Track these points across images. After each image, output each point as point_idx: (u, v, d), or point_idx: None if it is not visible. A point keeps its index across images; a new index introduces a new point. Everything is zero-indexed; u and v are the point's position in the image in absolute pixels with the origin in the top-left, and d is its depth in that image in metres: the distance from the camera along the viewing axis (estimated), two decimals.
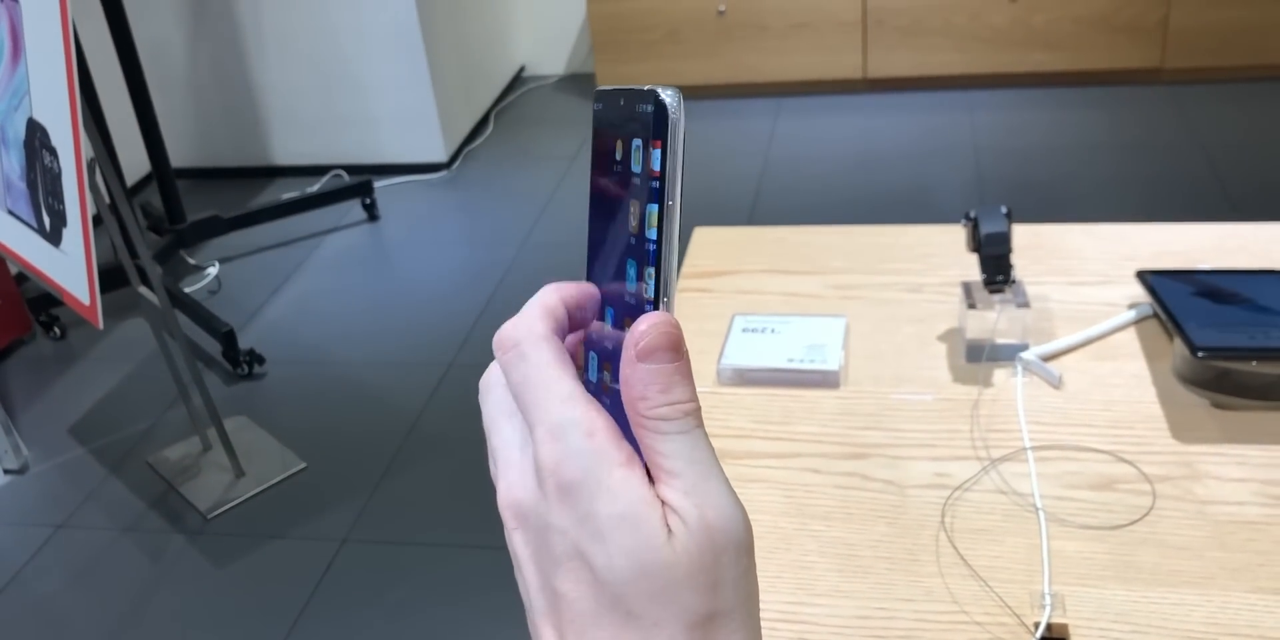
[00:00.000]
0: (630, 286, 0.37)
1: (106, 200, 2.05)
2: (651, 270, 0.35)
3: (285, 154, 3.75)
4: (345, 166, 3.70)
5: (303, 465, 2.32)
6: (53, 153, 1.74)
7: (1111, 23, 3.71)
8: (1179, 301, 1.07)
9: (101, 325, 1.77)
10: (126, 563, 2.12)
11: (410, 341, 2.75)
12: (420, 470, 2.30)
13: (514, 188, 3.52)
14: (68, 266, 1.80)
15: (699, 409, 0.36)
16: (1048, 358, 1.09)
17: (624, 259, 0.37)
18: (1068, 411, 1.02)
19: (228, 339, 2.63)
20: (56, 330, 2.88)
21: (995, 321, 1.08)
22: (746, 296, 1.23)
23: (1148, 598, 0.82)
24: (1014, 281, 1.07)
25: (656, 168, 0.35)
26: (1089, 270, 1.23)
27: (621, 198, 0.37)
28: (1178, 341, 1.02)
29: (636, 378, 0.35)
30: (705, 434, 0.36)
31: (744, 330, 1.14)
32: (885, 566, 0.87)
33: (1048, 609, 0.81)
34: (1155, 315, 1.13)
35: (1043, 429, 1.00)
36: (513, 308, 0.39)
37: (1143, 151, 3.40)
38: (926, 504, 0.92)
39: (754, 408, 1.06)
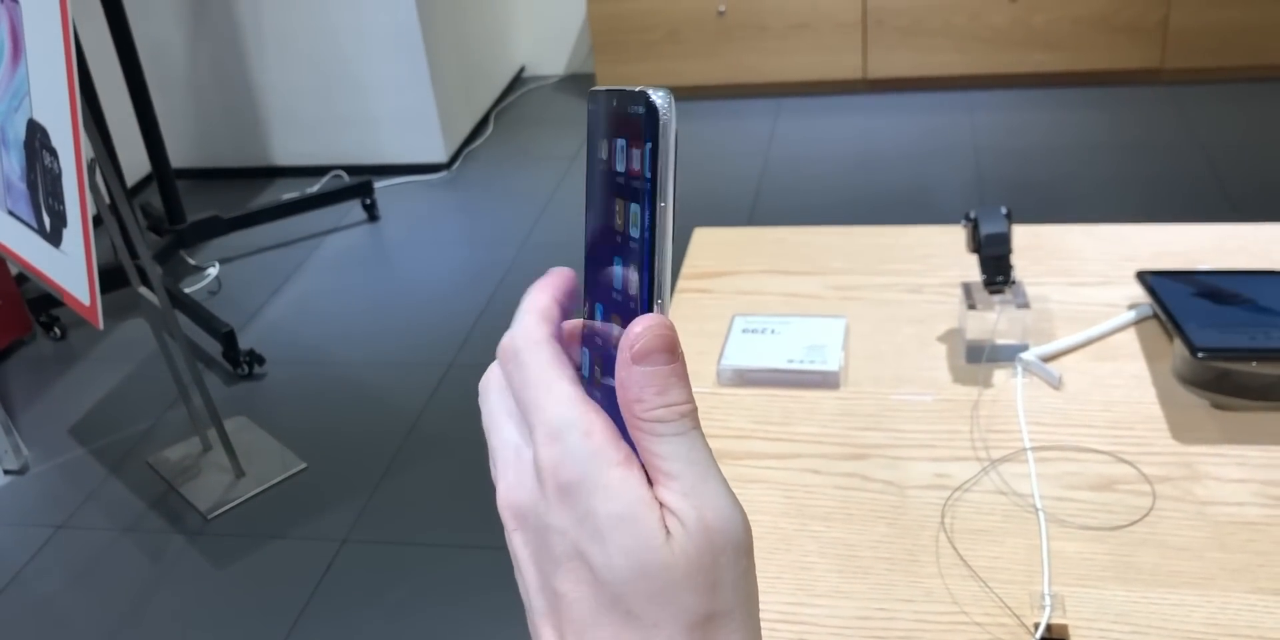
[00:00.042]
0: (625, 288, 0.37)
1: (106, 201, 2.05)
2: (645, 271, 0.35)
3: (285, 154, 3.75)
4: (345, 167, 3.70)
5: (303, 465, 2.32)
6: (53, 153, 1.75)
7: (1111, 23, 3.71)
8: (1179, 302, 1.07)
9: (102, 326, 1.77)
10: (127, 563, 2.12)
11: (410, 342, 2.75)
12: (420, 470, 2.30)
13: (514, 188, 3.52)
14: (68, 267, 1.80)
15: (695, 410, 0.36)
16: (1048, 358, 1.09)
17: (619, 260, 0.37)
18: (1068, 412, 1.02)
19: (228, 339, 2.63)
20: (57, 331, 2.88)
21: (995, 322, 1.08)
22: (746, 297, 1.23)
23: (1148, 598, 0.82)
24: (1014, 282, 1.07)
25: (648, 169, 0.35)
26: (1089, 271, 1.23)
27: (615, 199, 0.37)
28: (1178, 342, 1.02)
29: (632, 380, 0.35)
30: (702, 435, 0.36)
31: (744, 331, 1.14)
32: (885, 567, 0.87)
33: (1047, 610, 0.81)
34: (1155, 316, 1.13)
35: (1043, 430, 1.00)
36: (513, 308, 0.39)
37: (1143, 152, 3.40)
38: (926, 505, 0.92)
39: (754, 408, 1.06)
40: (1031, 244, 1.28)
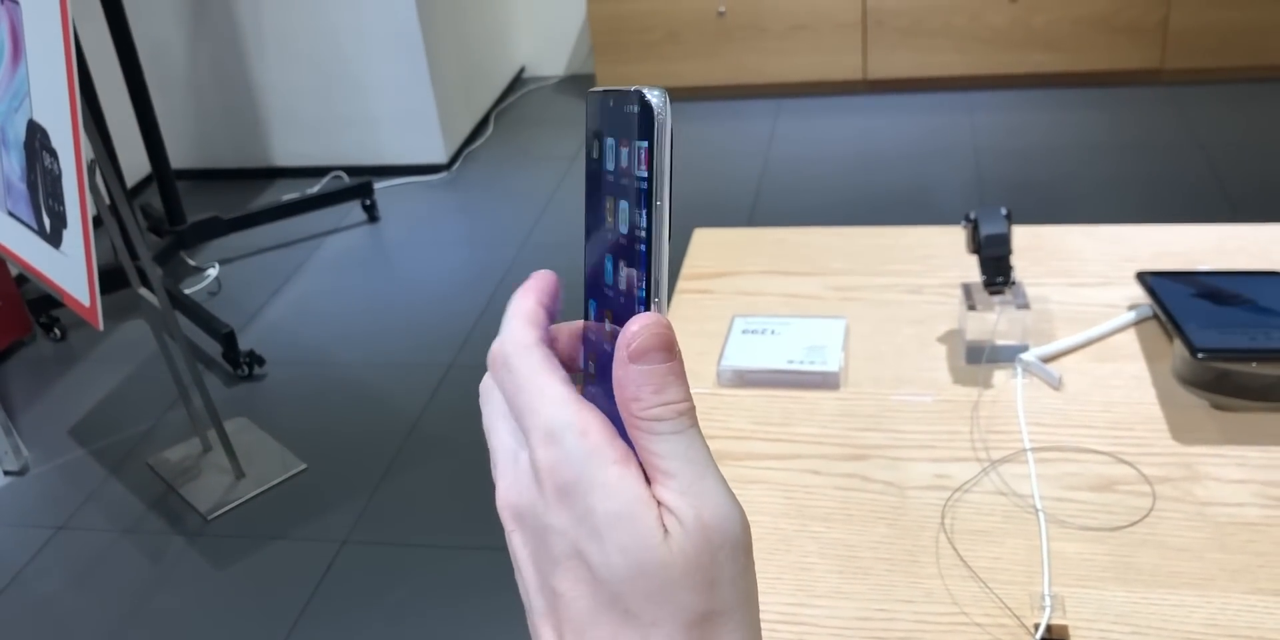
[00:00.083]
0: (623, 287, 0.37)
1: (107, 201, 2.05)
2: (643, 270, 0.35)
3: (285, 155, 3.75)
4: (345, 168, 3.71)
5: (303, 466, 2.32)
6: (53, 154, 1.75)
7: (1111, 23, 3.71)
8: (1179, 303, 1.07)
9: (102, 327, 1.77)
10: (127, 564, 2.12)
11: (410, 342, 2.75)
12: (420, 471, 2.30)
13: (514, 188, 3.52)
14: (68, 268, 1.80)
15: (693, 409, 0.36)
16: (1048, 359, 1.09)
17: (616, 259, 0.37)
18: (1068, 413, 1.02)
19: (228, 340, 2.63)
20: (57, 331, 2.88)
21: (995, 323, 1.08)
22: (746, 298, 1.23)
23: (1148, 599, 0.82)
24: (1014, 283, 1.07)
25: (645, 168, 0.35)
26: (1089, 271, 1.23)
27: (612, 198, 0.37)
28: (1177, 343, 1.02)
29: (629, 379, 0.35)
30: (700, 433, 0.36)
31: (744, 332, 1.14)
32: (885, 568, 0.87)
33: (1048, 610, 0.81)
34: (1155, 316, 1.13)
35: (1043, 430, 1.00)
36: None
37: (1143, 152, 3.40)
38: (926, 505, 0.92)
39: (754, 409, 1.06)
40: (1031, 245, 1.28)
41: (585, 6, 3.93)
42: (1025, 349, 1.08)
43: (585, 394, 0.39)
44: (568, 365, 0.41)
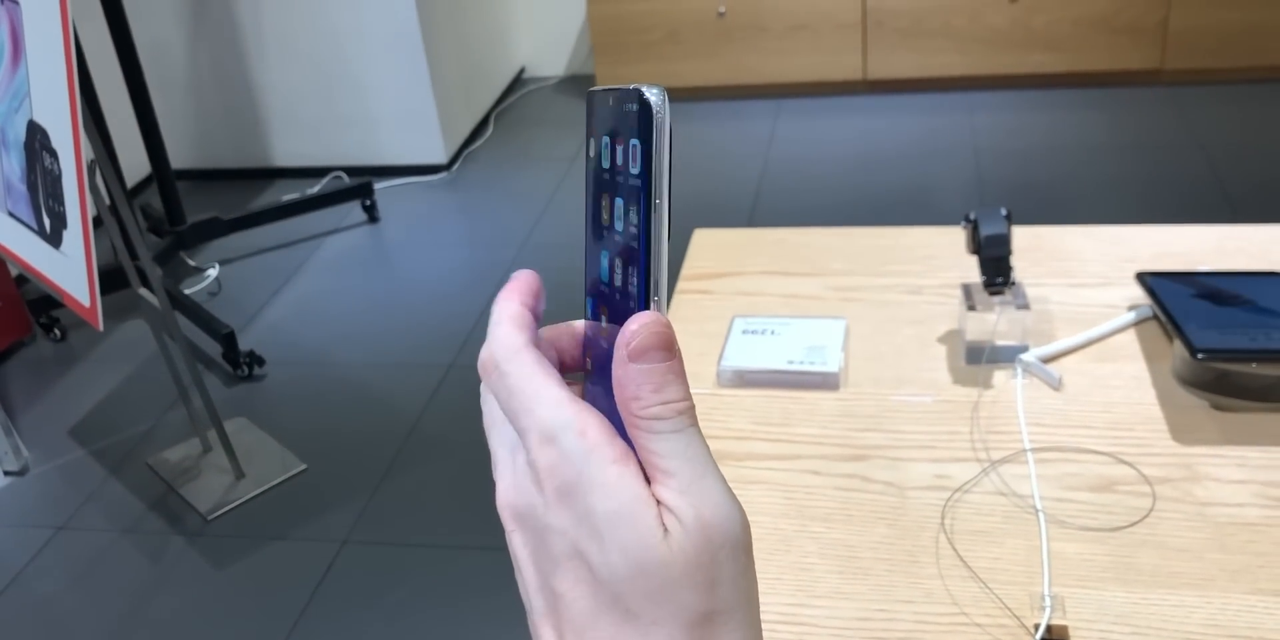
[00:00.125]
0: (622, 285, 0.37)
1: (107, 202, 2.05)
2: (642, 269, 0.35)
3: (285, 155, 3.75)
4: (345, 168, 3.71)
5: (303, 467, 2.32)
6: (53, 154, 1.75)
7: (1111, 24, 3.72)
8: (1179, 303, 1.07)
9: (102, 327, 1.77)
10: (126, 564, 2.12)
11: (410, 343, 2.75)
12: (420, 471, 2.30)
13: (514, 189, 3.52)
14: (68, 268, 1.80)
15: (693, 408, 0.36)
16: (1047, 359, 1.09)
17: (616, 258, 0.37)
18: (1068, 413, 1.02)
19: (228, 341, 2.63)
20: (57, 332, 2.88)
21: (995, 323, 1.08)
22: (746, 298, 1.23)
23: (1148, 599, 0.82)
24: (1014, 283, 1.07)
25: (643, 166, 0.35)
26: (1089, 272, 1.23)
27: (611, 197, 0.37)
28: (1177, 343, 1.02)
29: (629, 378, 0.35)
30: (700, 432, 0.36)
31: (744, 332, 1.14)
32: (885, 568, 0.87)
33: (1048, 611, 0.81)
34: (1155, 317, 1.13)
35: (1042, 431, 1.00)
36: None
37: (1142, 153, 3.40)
38: (926, 506, 0.92)
39: (754, 409, 1.06)
40: (1031, 245, 1.28)
41: (585, 7, 3.93)
42: (1025, 349, 1.08)
43: (586, 393, 0.39)
44: (570, 365, 0.41)
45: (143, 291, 2.12)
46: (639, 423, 0.35)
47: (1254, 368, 0.98)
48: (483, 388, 0.40)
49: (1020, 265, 1.21)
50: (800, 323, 1.15)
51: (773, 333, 1.13)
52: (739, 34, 3.89)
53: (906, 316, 1.18)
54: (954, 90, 3.91)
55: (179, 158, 3.65)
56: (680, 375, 0.36)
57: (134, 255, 2.10)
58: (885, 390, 1.07)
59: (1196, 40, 3.70)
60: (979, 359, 1.09)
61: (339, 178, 3.69)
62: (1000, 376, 1.07)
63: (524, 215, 3.34)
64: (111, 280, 2.36)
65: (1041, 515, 0.90)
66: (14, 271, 2.82)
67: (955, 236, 1.31)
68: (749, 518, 0.36)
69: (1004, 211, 1.07)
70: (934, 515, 0.91)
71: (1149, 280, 1.12)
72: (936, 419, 1.02)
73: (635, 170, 0.35)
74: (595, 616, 0.35)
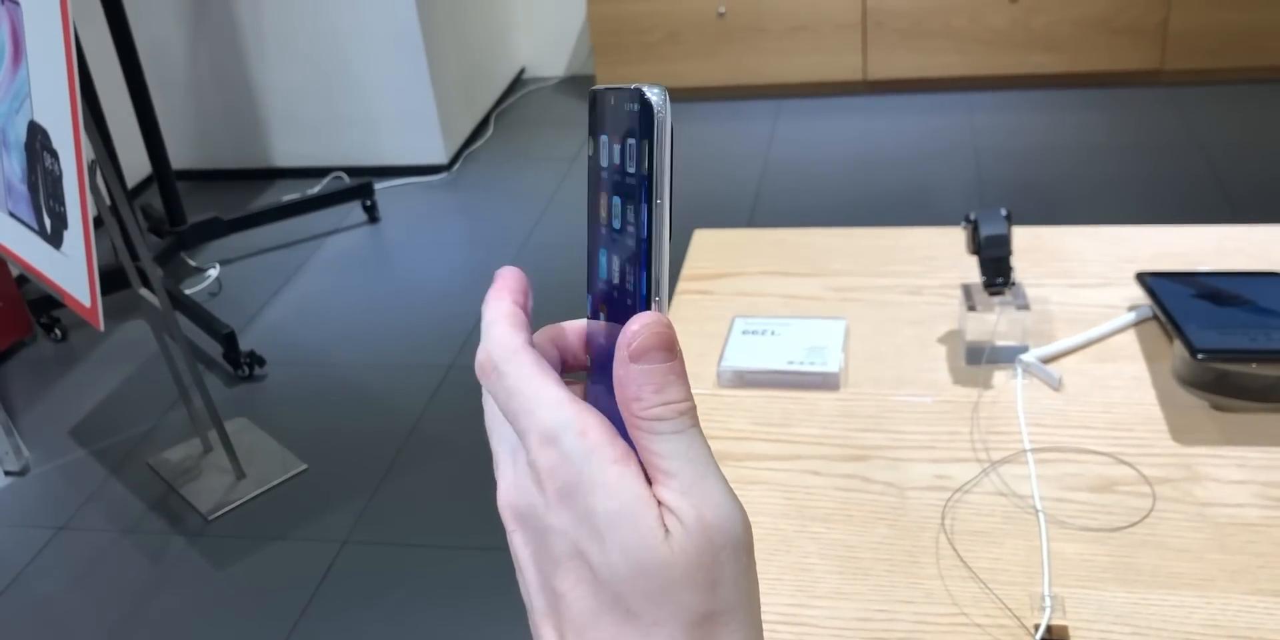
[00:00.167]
0: (624, 285, 0.37)
1: (107, 202, 2.05)
2: (643, 269, 0.35)
3: (285, 156, 3.75)
4: (345, 168, 3.71)
5: (303, 467, 2.32)
6: (54, 155, 1.75)
7: (1111, 25, 3.72)
8: (1179, 303, 1.07)
9: (102, 327, 1.77)
10: (127, 564, 2.12)
11: (411, 343, 2.75)
12: (421, 472, 2.30)
13: (514, 189, 3.52)
14: (69, 268, 1.80)
15: (694, 408, 0.36)
16: (1048, 360, 1.09)
17: (617, 258, 0.37)
18: (1068, 413, 1.02)
19: (228, 341, 2.63)
20: (57, 332, 2.88)
21: (995, 324, 1.08)
22: (746, 298, 1.23)
23: (1148, 600, 0.82)
24: (1014, 284, 1.07)
25: (644, 166, 0.35)
26: (1089, 272, 1.23)
27: (612, 196, 0.37)
28: (1177, 343, 1.02)
29: (630, 378, 0.35)
30: (701, 433, 0.36)
31: (744, 332, 1.14)
32: (885, 568, 0.87)
33: (1048, 611, 0.81)
34: (1155, 317, 1.13)
35: (1043, 431, 1.00)
36: None
37: (1142, 153, 3.40)
38: (926, 506, 0.92)
39: (754, 410, 1.06)
40: (1031, 245, 1.28)
41: (585, 7, 3.93)
42: (1025, 350, 1.08)
43: (588, 392, 0.39)
44: (572, 364, 0.41)
45: (143, 292, 2.12)
46: (640, 423, 0.35)
47: (1254, 368, 0.98)
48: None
49: (1020, 266, 1.21)
50: (800, 323, 1.15)
51: (773, 333, 1.13)
52: (739, 34, 3.89)
53: (906, 317, 1.18)
54: (954, 91, 3.91)
55: (179, 158, 3.65)
56: (682, 376, 0.36)
57: (134, 255, 2.10)
58: (885, 390, 1.07)
59: (1196, 41, 3.70)
60: (979, 359, 1.09)
61: (339, 178, 3.69)
62: (1000, 377, 1.07)
63: (524, 215, 3.34)
64: (112, 280, 2.36)
65: (1041, 515, 0.90)
66: (15, 271, 2.82)
67: (955, 237, 1.31)
68: (749, 518, 0.36)
69: (1004, 212, 1.07)
70: (934, 515, 0.91)
71: (1149, 280, 1.12)
72: (936, 419, 1.02)
73: (637, 170, 0.35)
74: (596, 617, 0.35)
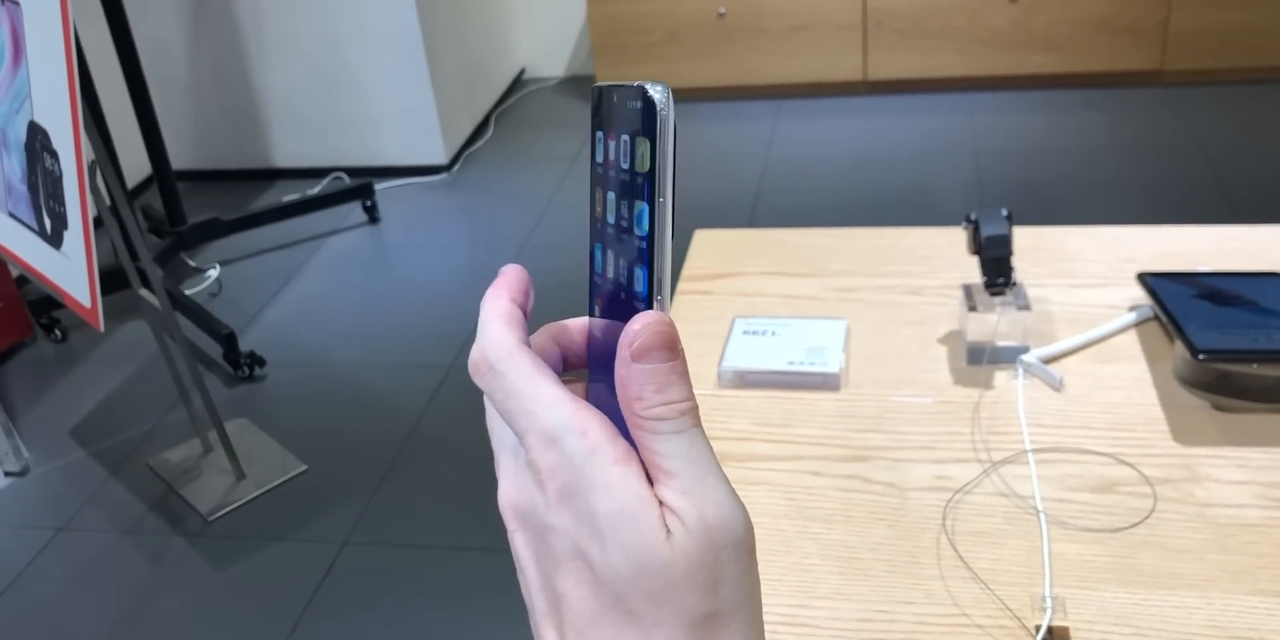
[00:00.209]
0: (626, 284, 0.37)
1: (107, 202, 2.05)
2: (645, 268, 0.35)
3: (286, 156, 3.75)
4: (346, 169, 3.71)
5: (303, 467, 2.32)
6: (53, 155, 1.75)
7: (1111, 25, 3.72)
8: (1179, 304, 1.07)
9: (102, 328, 1.77)
10: (127, 565, 2.12)
11: (411, 343, 2.75)
12: (421, 472, 2.30)
13: (514, 190, 3.52)
14: (68, 269, 1.80)
15: (696, 408, 0.36)
16: (1048, 360, 1.09)
17: (619, 257, 0.37)
18: (1068, 414, 1.02)
19: (228, 341, 2.63)
20: (57, 332, 2.88)
21: (996, 324, 1.08)
22: (747, 299, 1.23)
23: (1149, 600, 0.82)
24: (1015, 284, 1.07)
25: (647, 164, 0.34)
26: (1090, 272, 1.23)
27: (614, 195, 0.37)
28: (1178, 344, 1.02)
29: (631, 378, 0.35)
30: (703, 433, 0.36)
31: (744, 333, 1.14)
32: (886, 569, 0.87)
33: (1049, 612, 0.81)
34: (1156, 317, 1.13)
35: (1043, 431, 1.00)
36: None
37: (1143, 153, 3.40)
38: (927, 506, 0.92)
39: (754, 410, 1.06)
40: (1032, 246, 1.28)
41: (585, 8, 3.93)
42: (1026, 350, 1.08)
43: (590, 391, 0.39)
44: (574, 363, 0.40)
45: (143, 292, 2.12)
46: (642, 423, 0.35)
47: (1255, 368, 0.98)
48: None
49: (1021, 266, 1.21)
50: (801, 323, 1.15)
51: (773, 333, 1.13)
52: (739, 35, 3.89)
53: (907, 317, 1.18)
54: (954, 91, 3.91)
55: (179, 158, 3.65)
56: (683, 375, 0.35)
57: (134, 256, 2.10)
58: (886, 391, 1.07)
59: (1197, 41, 3.70)
60: (980, 360, 1.09)
61: (339, 178, 3.69)
62: (1001, 377, 1.07)
63: (524, 216, 3.34)
64: (112, 281, 2.36)
65: (1042, 516, 0.90)
66: (15, 272, 2.82)
67: (956, 237, 1.31)
68: (750, 518, 0.36)
69: (1005, 212, 1.07)
70: (935, 516, 0.91)
71: (1150, 281, 1.12)
72: (937, 420, 1.02)
73: (639, 168, 0.35)
74: (597, 617, 0.35)
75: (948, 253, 1.28)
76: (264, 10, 3.47)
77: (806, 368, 1.08)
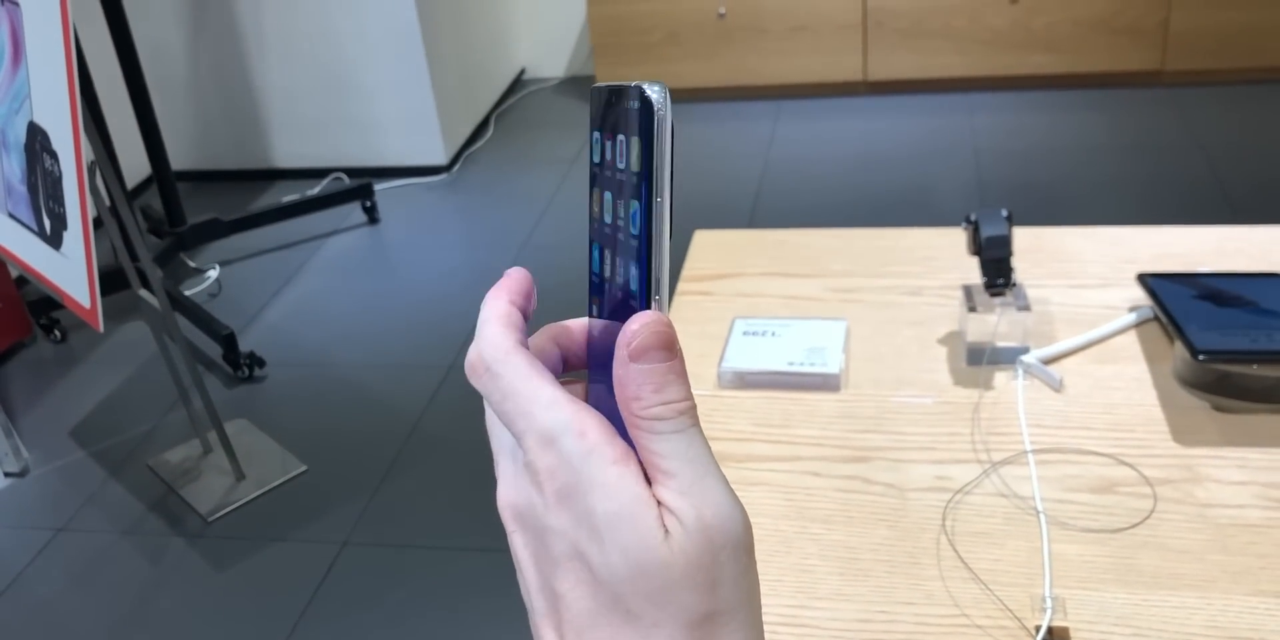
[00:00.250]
0: (624, 284, 0.36)
1: (107, 203, 2.05)
2: (643, 268, 0.35)
3: (285, 157, 3.75)
4: (345, 169, 3.71)
5: (303, 468, 2.32)
6: (53, 156, 1.75)
7: (1111, 25, 3.72)
8: (1179, 304, 1.07)
9: (102, 328, 1.77)
10: (127, 565, 2.12)
11: (411, 344, 2.75)
12: (421, 473, 2.30)
13: (514, 190, 3.52)
14: (68, 269, 1.80)
15: (694, 408, 0.36)
16: (1048, 360, 1.08)
17: (617, 256, 0.37)
18: (1068, 414, 1.01)
19: (228, 342, 2.63)
20: (57, 333, 2.88)
21: (996, 324, 1.08)
22: (747, 299, 1.23)
23: (1149, 601, 0.82)
24: (1014, 284, 1.07)
25: (644, 164, 0.34)
26: (1089, 273, 1.23)
27: (612, 194, 0.37)
28: (1178, 344, 1.02)
29: (629, 378, 0.35)
30: (701, 433, 0.36)
31: (744, 333, 1.14)
32: (886, 570, 0.86)
33: (1049, 612, 0.81)
34: (1156, 318, 1.13)
35: (1043, 432, 1.00)
36: None
37: (1143, 153, 3.40)
38: (927, 507, 0.92)
39: (754, 411, 1.06)
40: (1032, 246, 1.28)
41: (585, 8, 3.93)
42: (1026, 351, 1.08)
43: (589, 391, 0.39)
44: (574, 363, 0.40)
45: (143, 293, 2.12)
46: (640, 423, 0.35)
47: (1255, 369, 0.98)
48: None
49: (1021, 266, 1.21)
50: (801, 324, 1.15)
51: (773, 334, 1.13)
52: (739, 35, 3.89)
53: (907, 318, 1.18)
54: (954, 91, 3.91)
55: (179, 159, 3.65)
56: (681, 375, 0.35)
57: (134, 256, 2.10)
58: (886, 392, 1.07)
59: (1197, 41, 3.70)
60: (980, 360, 1.09)
61: (339, 179, 3.69)
62: (1001, 378, 1.07)
63: (524, 216, 3.34)
64: (112, 281, 2.36)
65: (1042, 516, 0.90)
66: (14, 273, 2.82)
67: (955, 238, 1.31)
68: (750, 519, 0.36)
69: (1005, 213, 1.07)
70: (935, 517, 0.91)
71: (1150, 281, 1.12)
72: (937, 420, 1.02)
73: (637, 167, 0.35)
74: (596, 617, 0.35)
75: (948, 253, 1.28)
76: (264, 10, 3.47)
77: (806, 368, 1.08)
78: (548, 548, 0.36)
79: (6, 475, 2.39)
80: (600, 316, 0.39)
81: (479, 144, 3.86)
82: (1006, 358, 1.08)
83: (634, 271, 0.36)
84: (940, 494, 0.93)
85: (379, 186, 3.52)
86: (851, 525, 0.91)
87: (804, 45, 3.88)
